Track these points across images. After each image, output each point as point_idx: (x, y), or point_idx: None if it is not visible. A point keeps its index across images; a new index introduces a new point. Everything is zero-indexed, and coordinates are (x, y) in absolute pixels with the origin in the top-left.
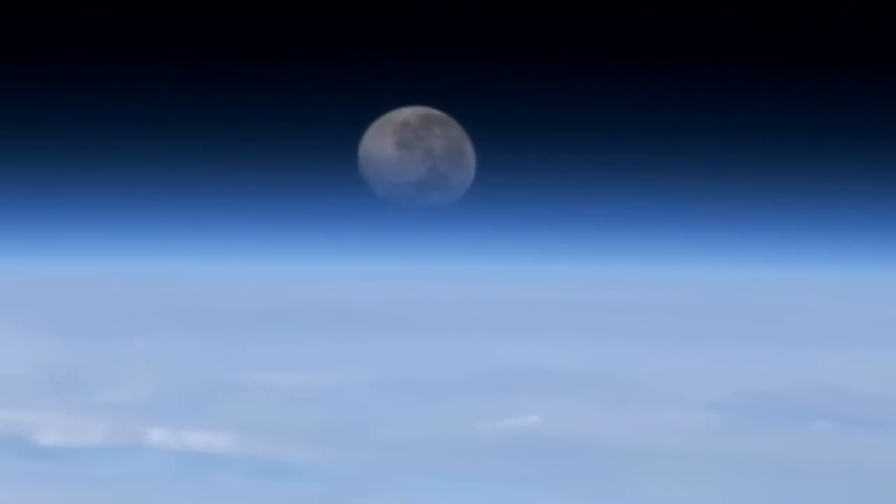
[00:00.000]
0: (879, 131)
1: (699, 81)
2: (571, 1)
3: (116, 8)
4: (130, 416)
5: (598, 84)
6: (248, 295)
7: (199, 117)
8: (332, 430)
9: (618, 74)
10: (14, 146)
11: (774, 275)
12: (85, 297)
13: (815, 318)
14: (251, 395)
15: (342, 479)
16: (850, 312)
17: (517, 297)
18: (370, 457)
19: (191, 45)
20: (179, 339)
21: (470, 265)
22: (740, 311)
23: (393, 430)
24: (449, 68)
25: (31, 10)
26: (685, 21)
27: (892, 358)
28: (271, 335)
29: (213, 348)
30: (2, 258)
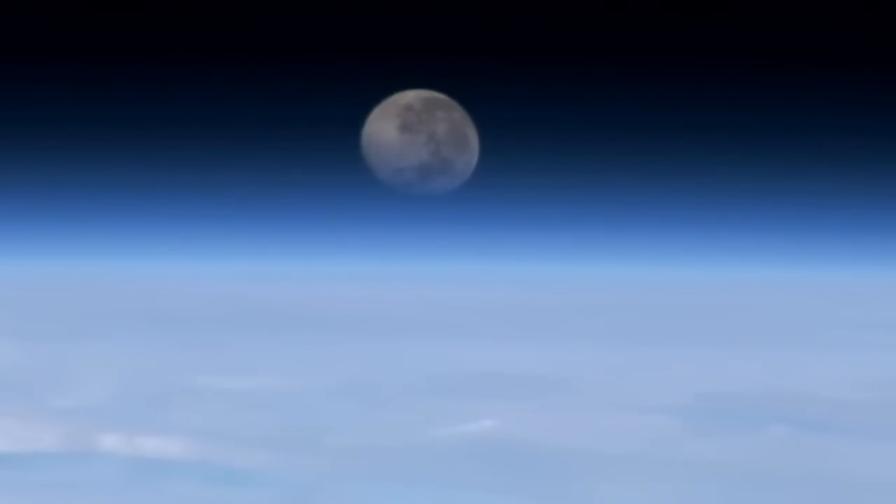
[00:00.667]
0: (878, 131)
1: (699, 81)
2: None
3: (116, 8)
4: (84, 421)
5: (600, 84)
6: (209, 296)
7: (188, 108)
8: (287, 435)
9: (620, 74)
10: None
11: (738, 275)
12: (42, 299)
13: (778, 319)
14: (206, 399)
15: (296, 486)
16: (815, 314)
17: (484, 299)
18: (325, 462)
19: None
20: (136, 342)
21: (447, 265)
22: (702, 313)
23: (348, 435)
24: (453, 53)
25: (31, 11)
26: (686, 21)
27: (853, 360)
28: (229, 338)
29: (169, 351)
30: None
